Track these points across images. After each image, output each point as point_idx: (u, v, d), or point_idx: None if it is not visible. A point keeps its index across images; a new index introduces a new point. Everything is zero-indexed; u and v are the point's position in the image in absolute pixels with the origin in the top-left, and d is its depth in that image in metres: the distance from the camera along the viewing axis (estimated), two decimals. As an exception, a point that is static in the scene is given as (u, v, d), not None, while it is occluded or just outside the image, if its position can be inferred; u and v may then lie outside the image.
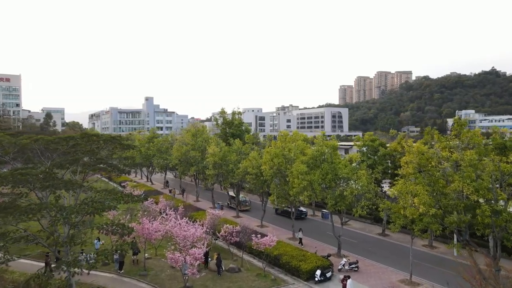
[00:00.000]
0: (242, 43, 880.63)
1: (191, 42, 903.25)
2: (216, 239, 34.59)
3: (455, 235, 27.33)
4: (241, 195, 49.05)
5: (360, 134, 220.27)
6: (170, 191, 66.19)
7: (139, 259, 30.28)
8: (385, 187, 37.93)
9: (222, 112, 64.56)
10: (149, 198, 45.50)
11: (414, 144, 29.92)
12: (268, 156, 36.21)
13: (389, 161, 37.77)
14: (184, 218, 30.24)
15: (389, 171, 37.57)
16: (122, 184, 71.40)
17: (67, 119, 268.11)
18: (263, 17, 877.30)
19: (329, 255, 30.41)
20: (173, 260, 24.39)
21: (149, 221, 31.78)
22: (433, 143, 29.31)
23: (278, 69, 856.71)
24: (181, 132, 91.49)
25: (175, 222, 29.29)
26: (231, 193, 52.18)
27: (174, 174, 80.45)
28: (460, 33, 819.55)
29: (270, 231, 40.77)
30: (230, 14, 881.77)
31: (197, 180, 57.20)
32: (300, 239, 35.42)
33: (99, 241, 32.53)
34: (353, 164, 32.48)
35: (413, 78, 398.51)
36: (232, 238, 31.23)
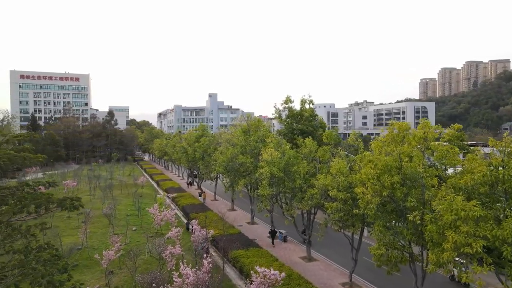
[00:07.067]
0: (314, 38, 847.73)
1: (261, 36, 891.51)
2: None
3: None
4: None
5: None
6: (200, 195, 52.36)
7: None
8: None
9: (287, 101, 45.76)
10: (172, 227, 30.45)
11: None
12: (372, 171, 18.32)
13: None
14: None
15: None
16: (167, 194, 58.43)
17: (141, 119, 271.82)
18: (334, 10, 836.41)
19: None
20: None
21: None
22: None
23: (350, 63, 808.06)
24: (229, 129, 76.08)
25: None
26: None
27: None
28: None
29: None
30: (305, 7, 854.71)
31: (251, 196, 40.36)
32: None
33: None
34: None
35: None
36: None
